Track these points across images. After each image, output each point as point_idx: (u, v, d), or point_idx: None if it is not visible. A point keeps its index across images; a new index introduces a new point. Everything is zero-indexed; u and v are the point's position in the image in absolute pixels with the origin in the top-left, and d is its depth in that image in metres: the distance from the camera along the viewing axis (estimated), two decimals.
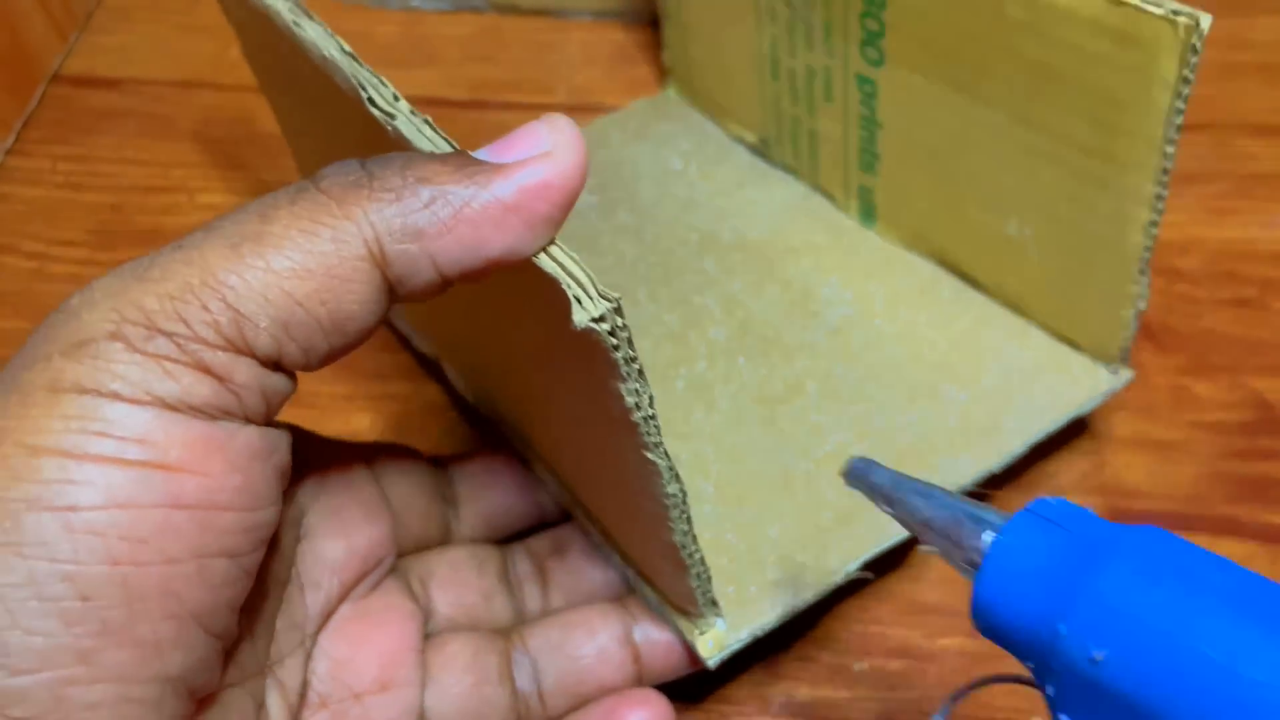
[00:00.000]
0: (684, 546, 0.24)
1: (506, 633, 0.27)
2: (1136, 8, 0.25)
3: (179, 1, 0.47)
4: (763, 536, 0.29)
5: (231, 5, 0.29)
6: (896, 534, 0.29)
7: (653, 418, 0.21)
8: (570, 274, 0.20)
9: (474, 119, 0.43)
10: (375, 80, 0.22)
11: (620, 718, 0.26)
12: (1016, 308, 0.33)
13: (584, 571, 0.29)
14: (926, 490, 0.21)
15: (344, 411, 0.35)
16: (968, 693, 0.23)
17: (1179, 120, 0.26)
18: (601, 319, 0.19)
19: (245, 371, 0.19)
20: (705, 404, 0.32)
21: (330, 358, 0.21)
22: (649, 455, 0.22)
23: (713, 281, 0.35)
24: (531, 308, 0.22)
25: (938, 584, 0.31)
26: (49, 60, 0.44)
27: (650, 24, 0.45)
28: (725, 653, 0.27)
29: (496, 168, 0.20)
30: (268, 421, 0.20)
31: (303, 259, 0.19)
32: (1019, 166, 0.30)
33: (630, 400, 0.21)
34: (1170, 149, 0.27)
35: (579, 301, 0.19)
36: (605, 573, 0.28)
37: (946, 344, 0.33)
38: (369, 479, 0.26)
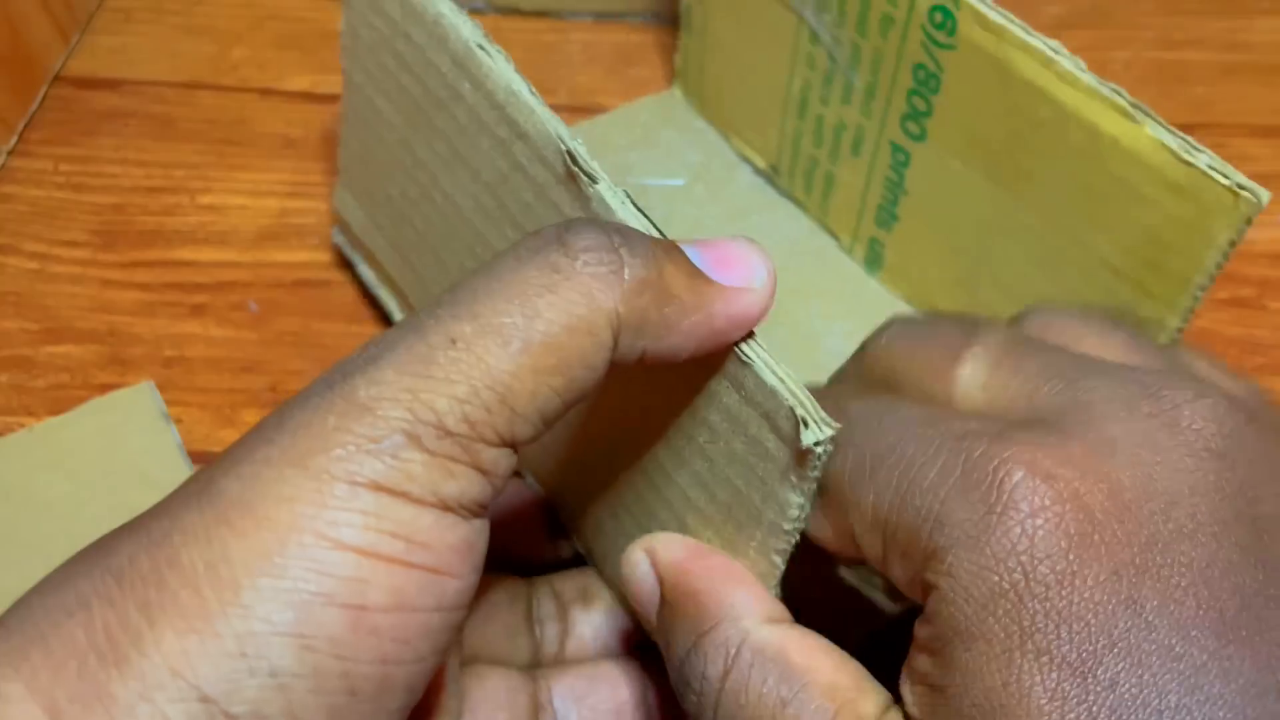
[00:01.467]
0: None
1: (532, 674, 0.27)
2: (1202, 173, 0.25)
3: (180, 3, 0.47)
4: None
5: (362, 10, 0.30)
6: None
7: (797, 532, 0.22)
8: (794, 394, 0.21)
9: None
10: (569, 137, 0.23)
11: None
12: None
13: (605, 624, 0.29)
14: None
15: None
16: None
17: (1217, 273, 0.26)
18: (819, 443, 0.20)
19: (506, 462, 0.20)
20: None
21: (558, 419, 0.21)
22: (775, 560, 0.23)
23: None
24: (720, 414, 0.23)
25: None
26: (51, 61, 0.44)
27: (651, 24, 0.45)
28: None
29: (719, 290, 0.21)
30: None
31: (565, 356, 0.20)
32: (1044, 268, 0.30)
33: (793, 512, 0.22)
34: (1200, 294, 0.27)
35: (805, 424, 0.20)
36: (625, 627, 0.28)
37: None
38: None
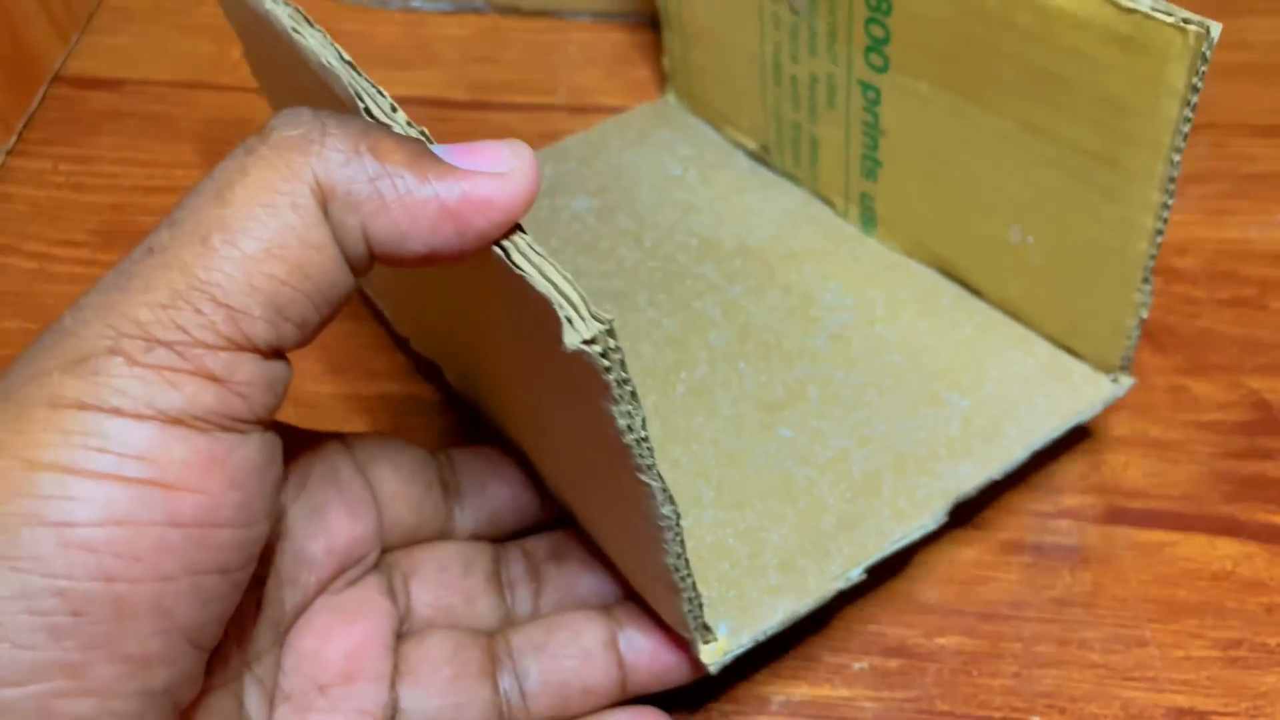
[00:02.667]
0: (676, 570, 0.24)
1: (490, 632, 0.27)
2: (1146, 15, 0.25)
3: (180, 2, 0.47)
4: (765, 541, 0.29)
5: (232, 9, 0.30)
6: (899, 539, 0.29)
7: (645, 440, 0.21)
8: (563, 293, 0.19)
9: (474, 119, 0.43)
10: (374, 90, 0.22)
11: None
12: (1018, 315, 0.33)
13: (579, 580, 0.28)
14: None
15: (343, 412, 0.35)
16: None
17: (1186, 129, 0.26)
18: (593, 341, 0.19)
19: (248, 368, 0.19)
20: (706, 409, 0.32)
21: (323, 326, 0.21)
22: (642, 478, 0.22)
23: (713, 287, 0.35)
24: (525, 324, 0.22)
25: (936, 583, 0.31)
26: (50, 61, 0.44)
27: (650, 25, 0.45)
28: (726, 658, 0.26)
29: (448, 168, 0.20)
30: (272, 417, 0.20)
31: (273, 236, 0.19)
32: (1023, 173, 0.30)
33: (623, 423, 0.20)
34: (1177, 157, 0.27)
35: (570, 322, 0.19)
36: (600, 582, 0.28)
37: (948, 351, 0.33)
38: (354, 474, 0.26)
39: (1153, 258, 0.29)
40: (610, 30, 0.46)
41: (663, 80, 0.43)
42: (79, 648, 0.18)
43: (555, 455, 0.27)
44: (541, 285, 0.20)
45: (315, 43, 0.23)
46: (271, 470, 0.21)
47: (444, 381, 0.33)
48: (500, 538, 0.29)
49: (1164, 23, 0.25)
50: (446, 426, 0.34)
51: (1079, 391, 0.31)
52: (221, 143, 0.42)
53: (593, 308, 0.19)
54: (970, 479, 0.30)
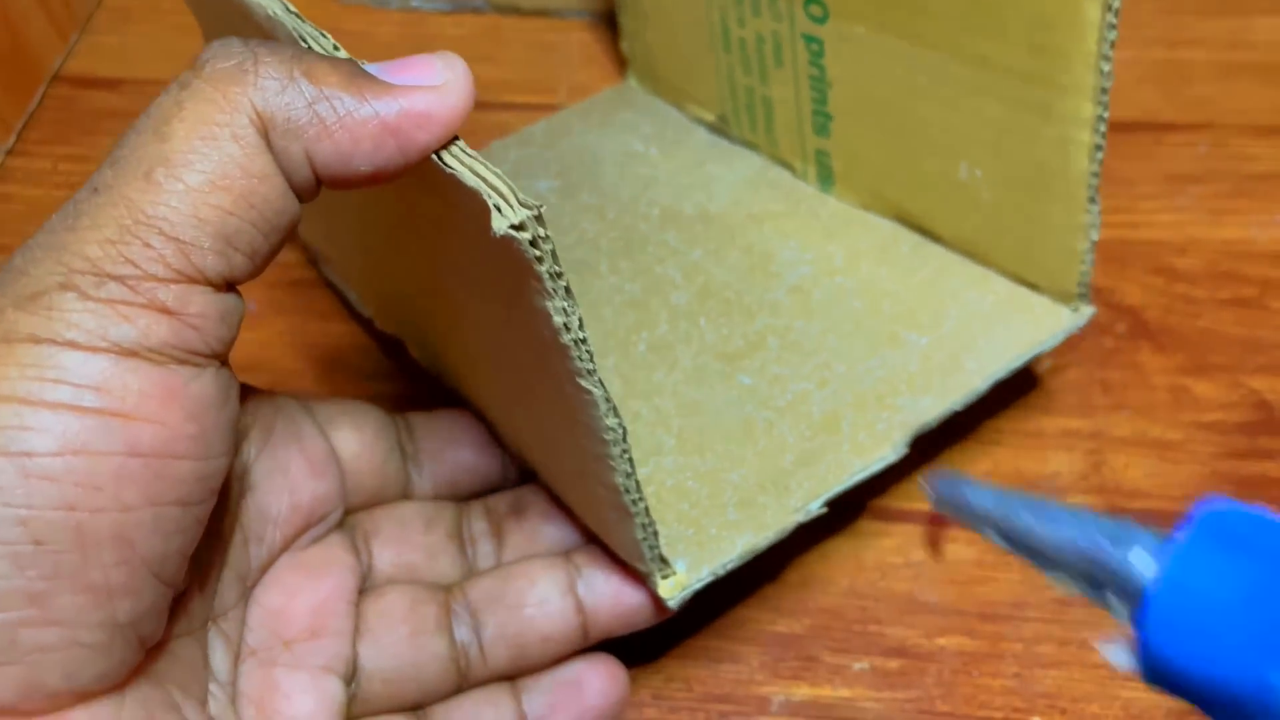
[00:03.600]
0: (626, 490, 0.23)
1: (448, 586, 0.27)
2: None
3: (179, 2, 0.47)
4: (724, 482, 0.29)
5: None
6: (858, 471, 0.29)
7: (584, 341, 0.21)
8: (490, 184, 0.19)
9: (474, 119, 0.42)
10: (316, 33, 0.22)
11: (578, 682, 0.26)
12: (975, 255, 0.33)
13: (540, 530, 0.28)
14: (1041, 507, 0.17)
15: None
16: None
17: (1112, 36, 0.26)
18: (521, 226, 0.19)
19: (200, 300, 0.19)
20: (667, 364, 0.32)
21: (272, 255, 0.21)
22: (582, 383, 0.21)
23: (674, 252, 0.35)
24: (460, 229, 0.22)
25: (937, 583, 0.31)
26: (49, 61, 0.44)
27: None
28: (686, 593, 0.26)
29: (385, 86, 0.20)
30: (227, 353, 0.20)
31: (215, 167, 0.19)
32: (964, 106, 0.30)
33: (558, 320, 0.20)
34: (1106, 66, 0.27)
35: (498, 210, 0.19)
36: (561, 531, 0.28)
37: (907, 294, 0.33)
38: (316, 433, 0.26)
39: (1095, 174, 0.29)
40: (610, 29, 0.46)
41: (623, 69, 0.43)
42: (42, 577, 0.18)
43: (504, 398, 0.27)
44: (471, 180, 0.19)
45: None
46: (228, 407, 0.21)
47: (429, 379, 0.33)
48: (462, 499, 0.29)
49: None
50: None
51: (1039, 323, 0.31)
52: None
53: (521, 196, 0.19)
54: (930, 410, 0.30)
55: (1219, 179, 0.40)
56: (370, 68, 0.21)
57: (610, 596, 0.27)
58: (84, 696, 0.19)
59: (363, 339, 0.36)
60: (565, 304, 0.20)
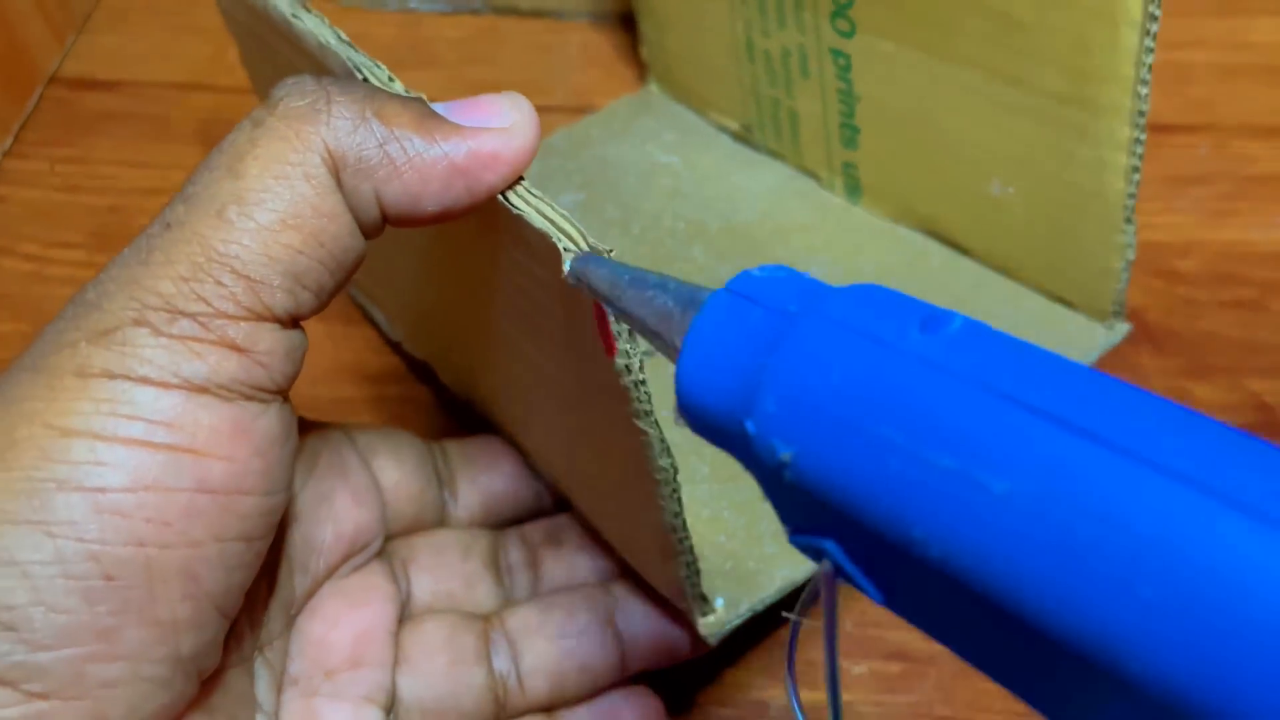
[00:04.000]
0: (674, 530, 0.23)
1: (487, 616, 0.27)
2: None
3: (177, 3, 0.47)
4: (760, 512, 0.29)
5: (230, 8, 0.29)
6: None
7: (643, 383, 0.21)
8: (559, 226, 0.20)
9: None
10: (370, 63, 0.22)
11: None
12: (1007, 271, 0.33)
13: (576, 561, 0.28)
14: (645, 277, 0.18)
15: (342, 414, 0.34)
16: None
17: (1149, 60, 0.26)
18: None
19: (269, 338, 0.20)
20: None
21: (337, 292, 0.21)
22: (639, 424, 0.21)
23: (702, 268, 0.35)
24: (522, 270, 0.22)
25: None
26: (47, 62, 0.44)
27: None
28: (725, 629, 0.26)
29: (454, 128, 0.20)
30: (290, 388, 0.21)
31: (287, 206, 0.19)
32: (996, 124, 0.30)
33: (621, 362, 0.20)
34: (1144, 90, 0.27)
35: (569, 254, 0.19)
36: (597, 562, 0.28)
37: None
38: (359, 464, 0.27)
39: (1132, 196, 0.29)
40: (609, 31, 0.45)
41: (643, 75, 0.42)
42: (111, 612, 0.18)
43: (548, 433, 0.27)
44: (539, 222, 0.20)
45: (313, 24, 0.23)
46: (290, 441, 0.21)
47: (439, 384, 0.33)
48: (497, 527, 0.29)
49: None
50: (446, 427, 0.34)
51: (1073, 341, 0.31)
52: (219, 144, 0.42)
53: (590, 239, 0.19)
54: None
55: (1219, 180, 0.40)
56: (438, 107, 0.21)
57: (647, 629, 0.27)
58: None
59: (392, 360, 0.36)
60: (628, 346, 0.20)
